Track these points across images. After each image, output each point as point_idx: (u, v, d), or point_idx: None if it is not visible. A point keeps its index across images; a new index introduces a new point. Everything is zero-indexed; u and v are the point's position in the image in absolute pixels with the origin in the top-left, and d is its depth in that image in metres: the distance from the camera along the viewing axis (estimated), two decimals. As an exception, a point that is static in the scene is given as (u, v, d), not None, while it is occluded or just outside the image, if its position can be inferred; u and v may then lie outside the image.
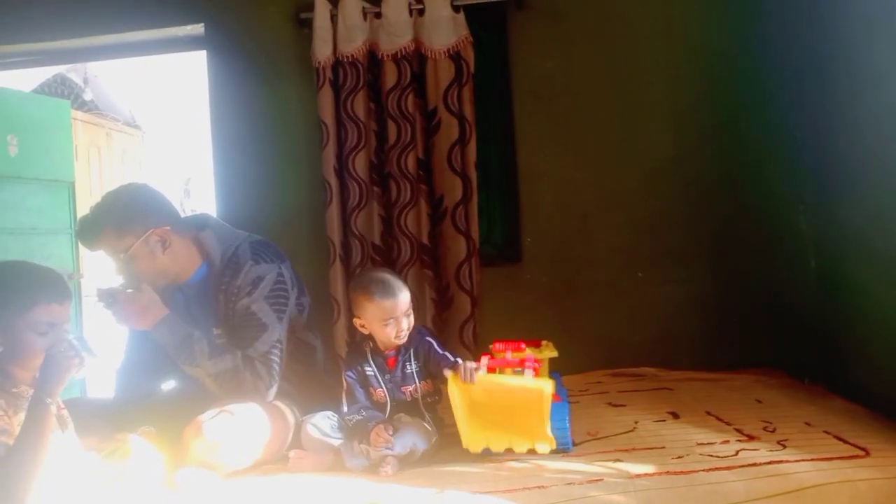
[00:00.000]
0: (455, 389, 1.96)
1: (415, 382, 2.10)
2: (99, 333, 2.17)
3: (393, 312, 2.05)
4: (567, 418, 2.03)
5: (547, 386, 1.95)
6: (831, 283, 2.76)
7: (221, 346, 2.07)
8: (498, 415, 1.95)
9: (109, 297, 2.05)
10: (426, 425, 2.06)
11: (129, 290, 2.05)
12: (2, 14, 3.45)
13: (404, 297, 2.08)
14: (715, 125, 3.17)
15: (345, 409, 2.16)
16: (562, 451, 1.99)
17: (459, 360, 2.02)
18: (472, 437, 1.96)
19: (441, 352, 2.08)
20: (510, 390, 1.97)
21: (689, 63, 3.19)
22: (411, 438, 1.98)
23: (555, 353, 2.25)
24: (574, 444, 2.07)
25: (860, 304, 2.51)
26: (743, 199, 3.14)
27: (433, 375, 2.10)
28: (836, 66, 2.64)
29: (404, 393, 2.11)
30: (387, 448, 1.92)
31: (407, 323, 2.08)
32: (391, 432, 1.95)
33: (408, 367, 2.10)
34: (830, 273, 2.77)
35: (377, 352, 2.13)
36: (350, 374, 2.13)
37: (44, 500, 1.50)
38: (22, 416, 1.53)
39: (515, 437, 1.96)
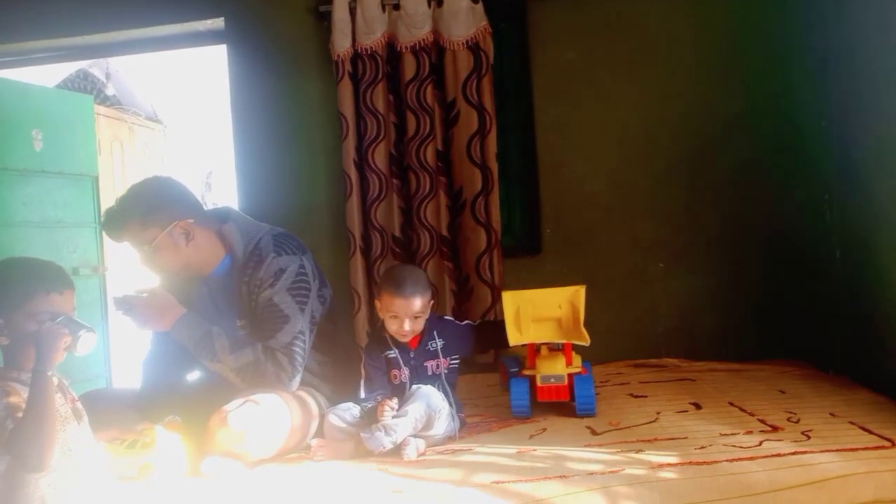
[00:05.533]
0: (507, 295, 2.34)
1: (438, 357, 2.22)
2: (125, 324, 2.20)
3: (398, 311, 2.15)
4: (593, 387, 2.29)
5: (583, 287, 2.32)
6: (856, 274, 2.72)
7: (242, 340, 2.09)
8: (540, 314, 2.32)
9: (126, 304, 2.08)
10: (445, 397, 2.12)
11: (144, 295, 2.08)
12: (25, 10, 3.49)
13: (416, 301, 2.15)
14: (738, 114, 3.14)
15: (362, 396, 2.19)
16: (587, 415, 2.25)
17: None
18: (516, 335, 2.30)
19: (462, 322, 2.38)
20: (553, 291, 2.34)
21: (711, 52, 3.16)
22: (424, 400, 2.03)
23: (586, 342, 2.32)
24: (596, 434, 2.08)
25: (885, 295, 2.48)
26: (767, 188, 3.11)
27: (463, 349, 2.30)
28: (861, 52, 2.59)
29: (426, 367, 2.20)
30: (396, 415, 1.97)
31: (410, 325, 2.16)
32: (395, 401, 2.01)
33: (431, 345, 2.23)
34: (855, 263, 2.74)
35: None
36: (371, 361, 2.19)
37: (62, 495, 1.54)
38: None
39: (555, 334, 2.31)
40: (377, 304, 2.24)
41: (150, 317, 2.08)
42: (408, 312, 2.15)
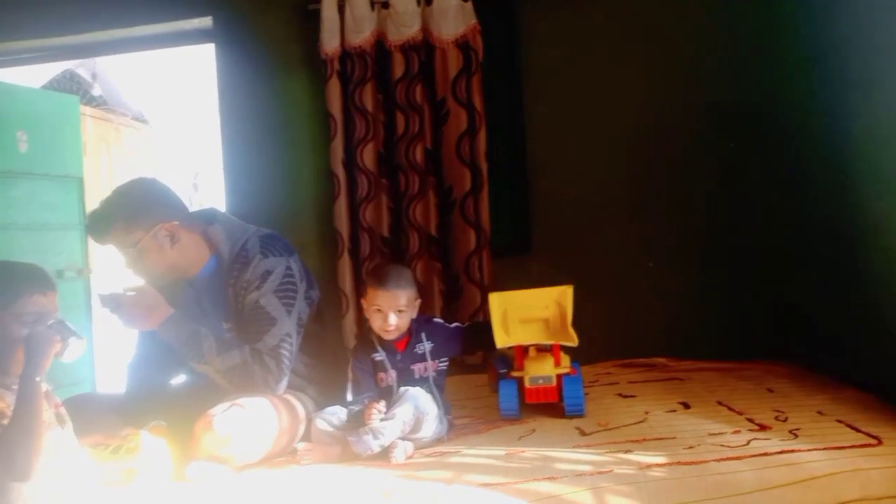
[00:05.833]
0: (493, 296, 2.33)
1: (426, 360, 2.19)
2: (109, 327, 2.18)
3: (381, 304, 2.13)
4: (581, 387, 2.28)
5: (570, 287, 2.29)
6: (844, 273, 2.73)
7: (229, 342, 2.07)
8: (528, 315, 2.30)
9: (113, 302, 2.05)
10: (432, 398, 2.11)
11: (132, 293, 2.06)
12: (10, 10, 3.46)
13: (399, 294, 2.14)
14: (730, 113, 3.13)
15: (349, 399, 2.19)
16: (576, 415, 2.24)
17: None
18: (503, 336, 2.26)
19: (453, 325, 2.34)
20: (540, 291, 2.32)
21: (702, 50, 3.16)
22: (412, 402, 2.01)
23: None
24: (584, 434, 2.08)
25: (873, 294, 2.49)
26: (755, 189, 3.11)
27: (451, 350, 2.27)
28: (853, 48, 2.59)
29: (413, 370, 2.17)
30: (384, 418, 1.96)
31: (394, 320, 2.13)
32: (383, 404, 2.00)
33: (419, 347, 2.20)
34: (845, 263, 2.74)
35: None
36: (357, 364, 2.17)
37: (45, 501, 1.52)
38: None
39: (542, 335, 2.28)
40: (363, 302, 2.22)
41: (137, 315, 2.06)
42: (391, 306, 2.13)
